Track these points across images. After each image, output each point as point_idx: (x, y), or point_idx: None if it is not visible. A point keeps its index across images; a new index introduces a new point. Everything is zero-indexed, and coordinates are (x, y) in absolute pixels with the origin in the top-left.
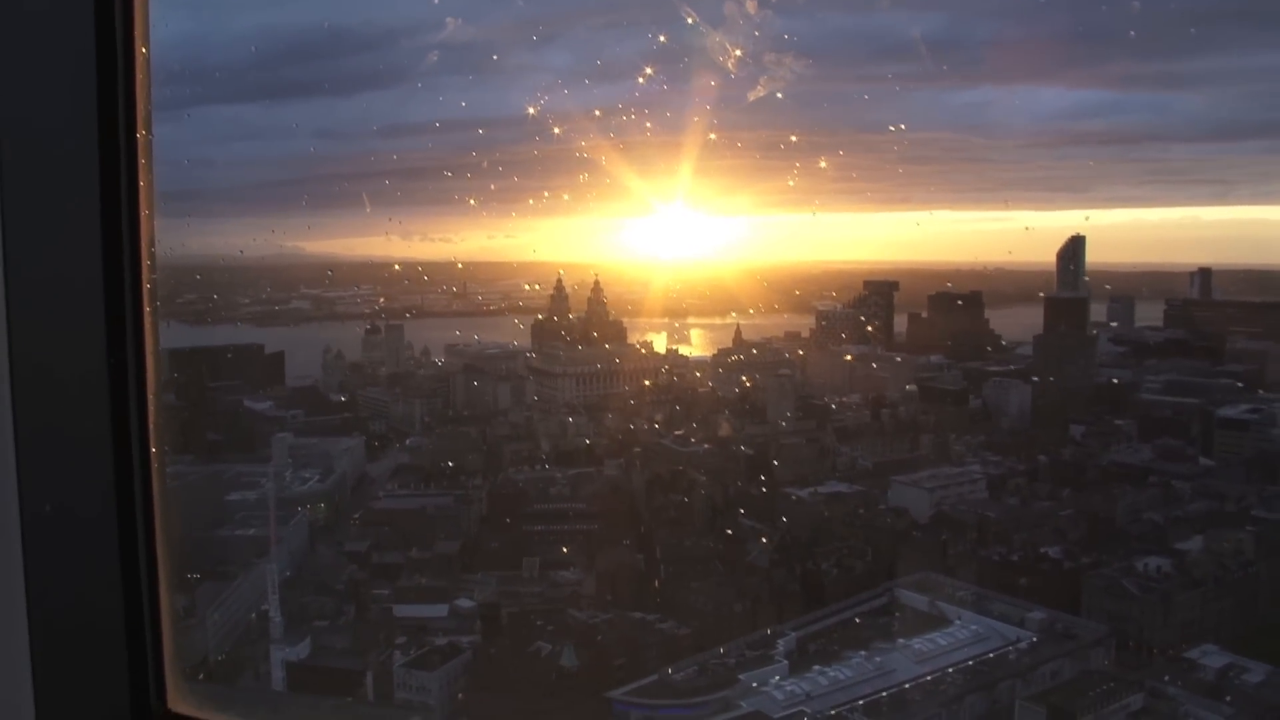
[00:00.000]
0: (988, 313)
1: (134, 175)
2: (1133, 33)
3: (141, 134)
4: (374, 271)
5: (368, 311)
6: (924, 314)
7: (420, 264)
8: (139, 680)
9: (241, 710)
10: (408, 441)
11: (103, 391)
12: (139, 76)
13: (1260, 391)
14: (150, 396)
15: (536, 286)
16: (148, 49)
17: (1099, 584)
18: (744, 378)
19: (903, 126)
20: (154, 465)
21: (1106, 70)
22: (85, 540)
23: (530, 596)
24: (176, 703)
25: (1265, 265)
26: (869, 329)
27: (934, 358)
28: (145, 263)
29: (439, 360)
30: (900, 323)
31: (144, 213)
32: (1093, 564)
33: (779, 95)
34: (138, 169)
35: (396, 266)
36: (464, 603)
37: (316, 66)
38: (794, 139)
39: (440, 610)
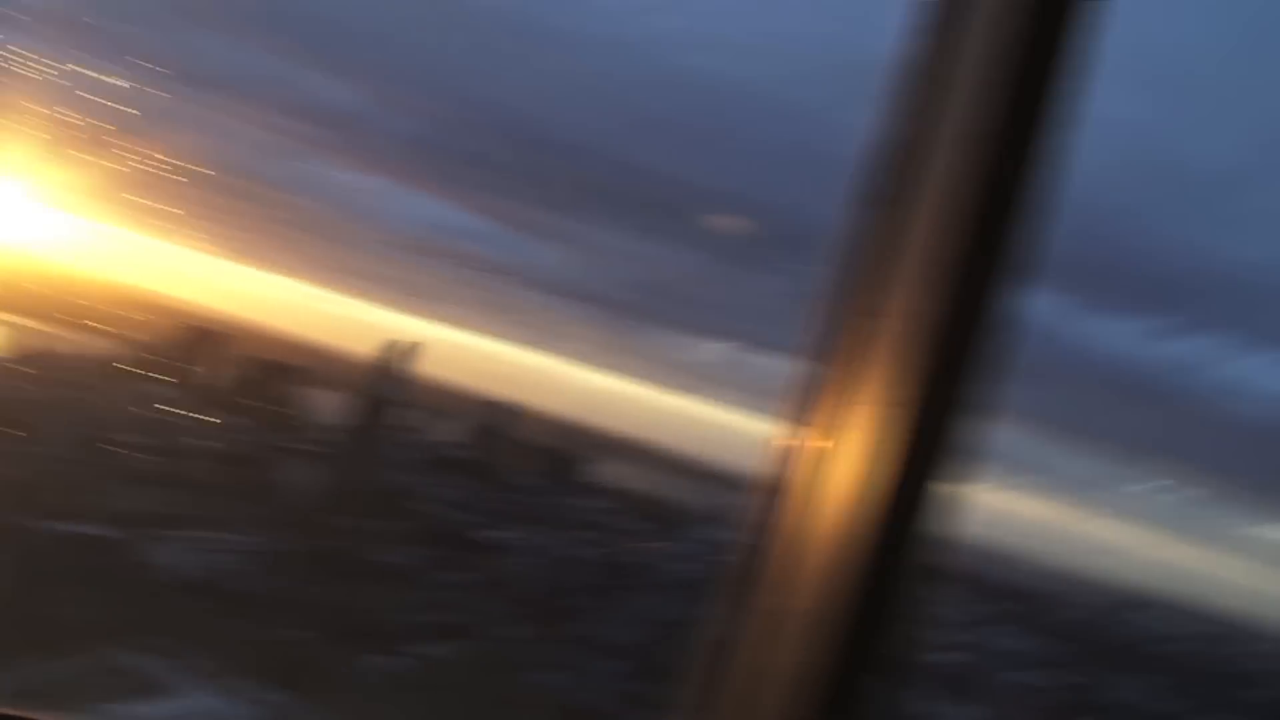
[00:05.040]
0: (305, 390)
1: None
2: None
3: None
4: None
5: None
6: (234, 371)
7: None
8: None
9: None
10: None
11: None
12: None
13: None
14: None
15: None
16: None
17: (346, 671)
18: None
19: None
20: None
21: (481, 198)
22: None
23: None
24: None
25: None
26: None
27: (237, 419)
28: None
29: None
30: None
31: None
32: (353, 652)
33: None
34: None
35: None
36: None
37: None
38: (160, 157)
39: None
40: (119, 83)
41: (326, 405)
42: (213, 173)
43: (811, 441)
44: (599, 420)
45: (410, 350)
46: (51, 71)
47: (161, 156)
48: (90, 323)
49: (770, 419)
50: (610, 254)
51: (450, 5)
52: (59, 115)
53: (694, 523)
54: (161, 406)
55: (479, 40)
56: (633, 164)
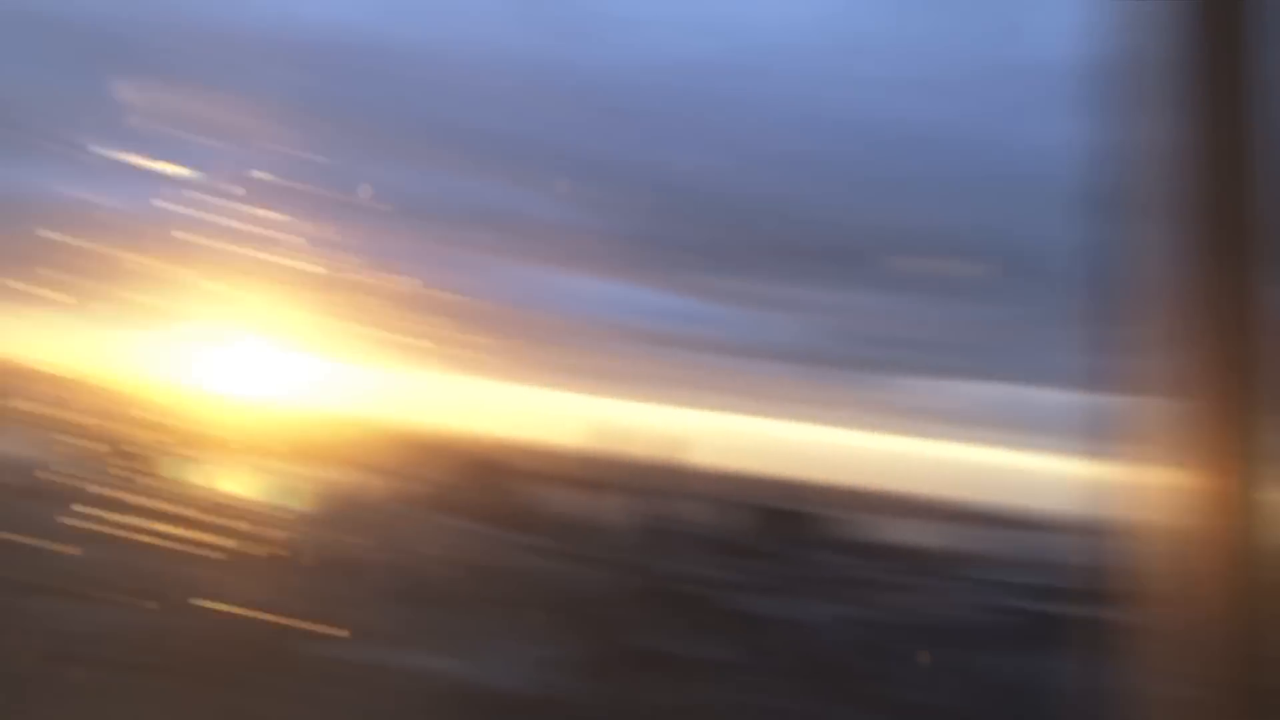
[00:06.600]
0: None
1: None
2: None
3: None
4: None
5: None
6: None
7: None
8: None
9: None
10: None
11: None
12: None
13: None
14: None
15: None
16: None
17: None
18: None
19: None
20: None
21: (690, 279)
22: None
23: None
24: None
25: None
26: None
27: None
28: None
29: None
30: None
31: None
32: None
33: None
34: None
35: None
36: None
37: None
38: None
39: None
40: (333, 228)
41: (593, 507)
42: (439, 296)
43: (1190, 478)
44: (847, 479)
45: (679, 443)
46: (268, 223)
47: (383, 284)
48: (365, 463)
49: (1039, 455)
50: (806, 308)
51: (619, 97)
52: (287, 263)
53: (970, 567)
54: (467, 539)
55: (654, 122)
56: (813, 213)
